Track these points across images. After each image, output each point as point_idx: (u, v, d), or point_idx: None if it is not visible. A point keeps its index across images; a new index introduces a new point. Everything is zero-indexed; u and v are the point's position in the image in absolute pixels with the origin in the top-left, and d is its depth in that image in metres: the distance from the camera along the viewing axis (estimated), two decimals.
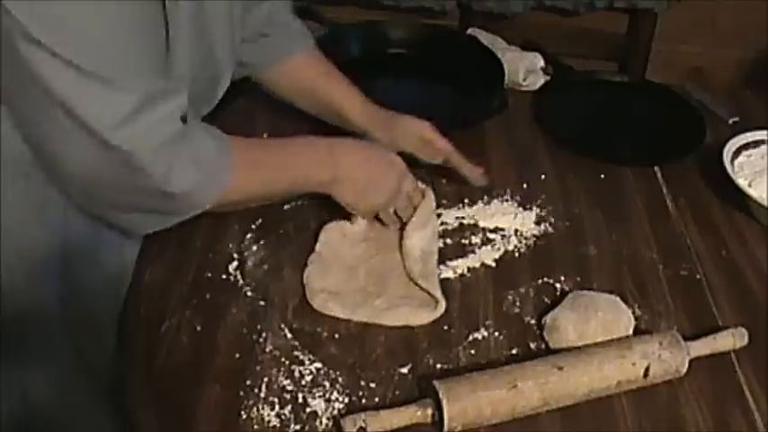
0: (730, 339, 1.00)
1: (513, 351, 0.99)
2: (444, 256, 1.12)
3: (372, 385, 0.93)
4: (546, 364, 0.92)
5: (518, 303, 1.06)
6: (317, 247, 1.11)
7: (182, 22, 0.91)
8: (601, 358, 0.93)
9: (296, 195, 1.13)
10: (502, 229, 1.18)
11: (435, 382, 0.88)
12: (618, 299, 1.03)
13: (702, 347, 0.98)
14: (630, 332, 1.00)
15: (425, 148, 1.21)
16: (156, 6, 0.87)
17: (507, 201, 1.23)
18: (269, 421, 0.89)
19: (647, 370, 0.93)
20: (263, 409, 0.90)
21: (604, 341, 0.98)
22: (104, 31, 0.82)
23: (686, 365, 0.96)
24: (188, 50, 0.94)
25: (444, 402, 0.86)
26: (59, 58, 0.80)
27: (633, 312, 1.03)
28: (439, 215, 1.18)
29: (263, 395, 0.91)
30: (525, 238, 1.16)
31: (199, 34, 0.97)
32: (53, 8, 0.79)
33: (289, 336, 0.98)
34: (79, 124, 0.84)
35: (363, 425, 0.85)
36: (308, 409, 0.90)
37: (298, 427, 0.88)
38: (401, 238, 1.11)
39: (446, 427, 0.86)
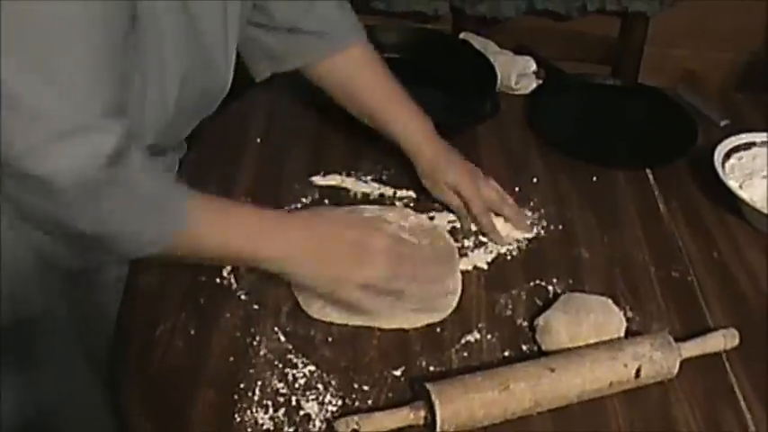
0: (721, 340, 1.00)
1: (506, 353, 0.99)
2: None
3: (365, 388, 0.94)
4: (538, 366, 0.92)
5: (510, 306, 1.06)
6: None
7: (165, 27, 0.88)
8: (593, 360, 0.94)
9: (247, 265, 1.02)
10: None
11: (428, 385, 0.89)
12: (610, 301, 1.04)
13: (694, 348, 0.99)
14: (622, 334, 1.01)
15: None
16: (121, 24, 0.80)
17: None
18: (263, 424, 0.89)
19: (638, 371, 0.94)
20: (256, 412, 0.90)
21: (596, 343, 0.98)
22: (44, 49, 0.74)
23: (677, 366, 0.96)
24: (177, 56, 0.92)
25: (437, 404, 0.86)
26: None
27: (625, 314, 1.04)
28: (431, 218, 1.19)
29: (256, 398, 0.92)
30: (518, 241, 1.17)
31: (188, 37, 0.94)
32: None
33: (282, 339, 0.99)
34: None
35: (356, 427, 0.85)
36: (301, 412, 0.90)
37: (291, 429, 0.89)
38: None
39: (438, 429, 0.87)
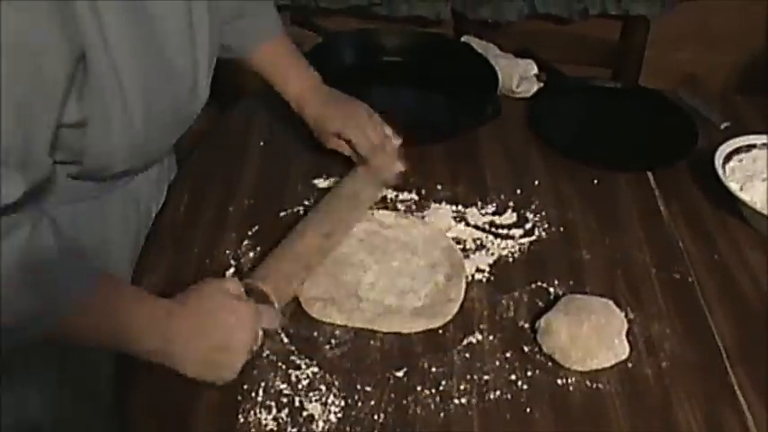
0: None
1: (507, 354, 1.00)
2: None
3: (368, 389, 0.95)
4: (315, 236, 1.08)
5: (512, 307, 1.07)
6: None
7: (117, 42, 0.83)
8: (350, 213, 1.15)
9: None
10: (496, 235, 1.19)
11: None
12: (611, 302, 1.04)
13: None
14: (623, 335, 1.01)
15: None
16: (38, 79, 0.75)
17: (501, 206, 1.24)
18: (266, 425, 0.90)
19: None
20: (260, 412, 0.91)
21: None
22: None
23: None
24: (137, 68, 0.87)
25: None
26: None
27: (626, 315, 1.04)
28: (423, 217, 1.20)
29: (260, 399, 0.92)
30: (519, 243, 1.17)
31: (145, 40, 0.89)
32: None
33: (285, 341, 0.99)
34: None
35: None
36: (304, 413, 0.91)
37: (294, 430, 0.89)
38: None
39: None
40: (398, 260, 1.12)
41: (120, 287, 0.91)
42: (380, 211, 1.20)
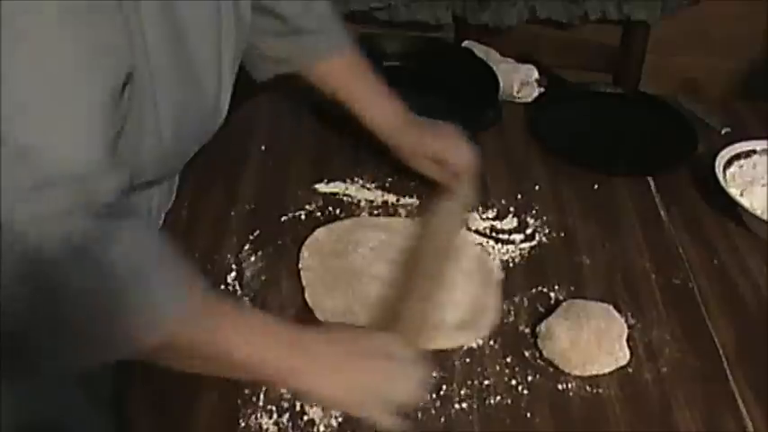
0: None
1: (508, 359, 1.00)
2: None
3: None
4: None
5: (512, 312, 1.07)
6: (302, 266, 1.11)
7: (152, 49, 0.83)
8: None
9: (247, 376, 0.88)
10: (496, 240, 1.19)
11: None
12: (611, 307, 1.05)
13: None
14: (624, 341, 1.01)
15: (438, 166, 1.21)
16: (119, 75, 0.76)
17: (502, 211, 1.24)
18: (267, 429, 0.90)
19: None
20: (261, 417, 0.91)
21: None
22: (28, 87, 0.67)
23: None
24: (169, 67, 0.87)
25: None
26: None
27: (626, 320, 1.04)
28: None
29: (261, 403, 0.92)
30: (520, 248, 1.18)
31: (177, 51, 0.88)
32: None
33: None
34: None
35: None
36: (305, 417, 0.91)
37: None
38: None
39: None
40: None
41: (228, 301, 0.88)
42: (387, 219, 1.21)
